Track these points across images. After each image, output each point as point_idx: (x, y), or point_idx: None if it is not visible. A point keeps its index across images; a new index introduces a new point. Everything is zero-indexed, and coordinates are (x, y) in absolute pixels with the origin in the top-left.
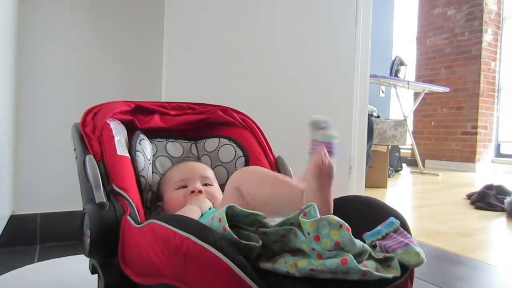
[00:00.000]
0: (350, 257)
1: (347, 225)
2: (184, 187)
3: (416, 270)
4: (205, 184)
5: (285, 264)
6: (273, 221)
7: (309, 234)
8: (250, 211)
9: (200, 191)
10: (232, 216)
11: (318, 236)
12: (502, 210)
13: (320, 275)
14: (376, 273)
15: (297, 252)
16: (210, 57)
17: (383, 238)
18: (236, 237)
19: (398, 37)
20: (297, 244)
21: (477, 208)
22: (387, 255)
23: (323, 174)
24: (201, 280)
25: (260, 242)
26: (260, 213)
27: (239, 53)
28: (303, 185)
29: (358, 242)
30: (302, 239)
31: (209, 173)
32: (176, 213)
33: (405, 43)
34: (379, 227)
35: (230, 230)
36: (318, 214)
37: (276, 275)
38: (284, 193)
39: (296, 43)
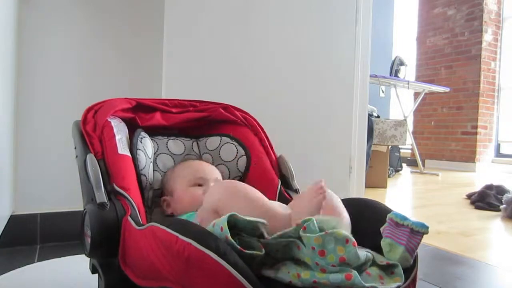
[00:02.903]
0: (354, 273)
1: (353, 239)
2: (200, 185)
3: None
4: None
5: (288, 274)
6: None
7: (313, 248)
8: (251, 218)
9: None
10: (234, 224)
11: (323, 251)
12: None
13: None
14: (380, 287)
15: (299, 261)
16: (211, 55)
17: (399, 225)
18: (239, 247)
19: (398, 37)
20: (300, 256)
21: (477, 208)
22: (390, 262)
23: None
24: (202, 286)
25: (263, 250)
26: (263, 220)
27: (240, 52)
28: (290, 210)
29: (362, 255)
30: (305, 251)
31: (219, 176)
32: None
33: (405, 43)
34: (410, 218)
35: (231, 239)
36: (317, 228)
37: (278, 284)
38: (272, 219)
39: (297, 43)
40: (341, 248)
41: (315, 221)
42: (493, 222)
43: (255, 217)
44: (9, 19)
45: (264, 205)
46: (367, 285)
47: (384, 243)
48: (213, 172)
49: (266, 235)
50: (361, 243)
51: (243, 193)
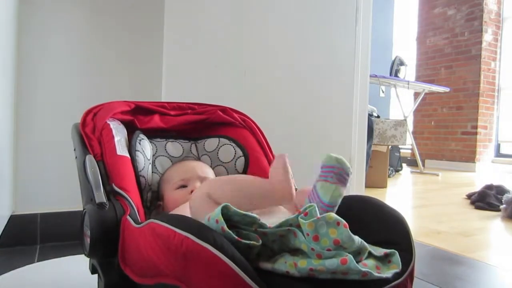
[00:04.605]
0: (349, 257)
1: (344, 222)
2: (184, 186)
3: (416, 270)
4: None
5: (285, 264)
6: (272, 221)
7: (308, 235)
8: (244, 212)
9: None
10: (228, 215)
11: (317, 236)
12: None
13: (319, 275)
14: (376, 274)
15: (296, 251)
16: (210, 57)
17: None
18: (236, 237)
19: (398, 37)
20: (296, 244)
21: (477, 208)
22: (388, 251)
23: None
24: (201, 280)
25: (260, 241)
26: (255, 215)
27: (239, 53)
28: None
29: (356, 238)
30: (301, 239)
31: (209, 172)
32: (173, 212)
33: (405, 43)
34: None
35: (229, 230)
36: (318, 213)
37: (275, 274)
38: (254, 186)
39: (296, 43)
40: (333, 231)
41: (316, 207)
42: (493, 222)
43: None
44: (9, 19)
45: (247, 177)
46: (363, 269)
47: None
48: (197, 170)
49: (265, 224)
50: (363, 240)
51: (230, 177)
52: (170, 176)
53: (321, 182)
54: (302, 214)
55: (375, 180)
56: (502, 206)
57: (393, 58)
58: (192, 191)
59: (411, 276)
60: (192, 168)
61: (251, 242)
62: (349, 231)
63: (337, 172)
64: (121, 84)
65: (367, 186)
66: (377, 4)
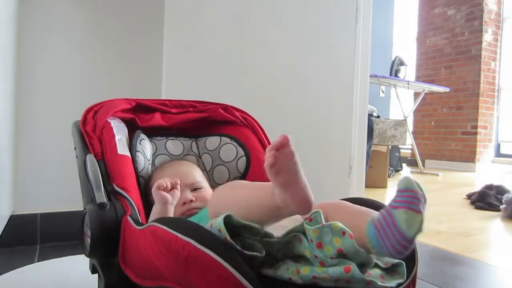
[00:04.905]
0: (353, 265)
1: (350, 232)
2: None
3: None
4: (195, 189)
5: (287, 271)
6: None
7: (311, 241)
8: (246, 222)
9: (191, 201)
10: (231, 225)
11: (320, 243)
12: None
13: (322, 282)
14: (380, 283)
15: (299, 258)
16: (210, 56)
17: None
18: (239, 248)
19: (398, 37)
20: (300, 249)
21: (477, 208)
22: (395, 261)
23: (281, 167)
24: (201, 285)
25: (264, 252)
26: (256, 225)
27: (239, 53)
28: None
29: (362, 250)
30: (306, 244)
31: (197, 175)
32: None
33: (405, 43)
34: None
35: (231, 240)
36: (323, 220)
37: (278, 281)
38: (255, 196)
39: (296, 43)
40: (337, 240)
41: (321, 213)
42: (493, 222)
43: (242, 195)
44: (9, 19)
45: (249, 184)
46: (367, 278)
47: (399, 215)
48: (185, 179)
49: (272, 233)
50: None
51: (231, 185)
52: None
53: (405, 210)
54: (307, 220)
55: (375, 180)
56: (502, 206)
57: (393, 58)
58: (184, 203)
59: (413, 283)
60: (179, 176)
61: (255, 253)
62: (355, 242)
63: (421, 200)
64: (121, 84)
65: (367, 186)
66: (377, 4)
